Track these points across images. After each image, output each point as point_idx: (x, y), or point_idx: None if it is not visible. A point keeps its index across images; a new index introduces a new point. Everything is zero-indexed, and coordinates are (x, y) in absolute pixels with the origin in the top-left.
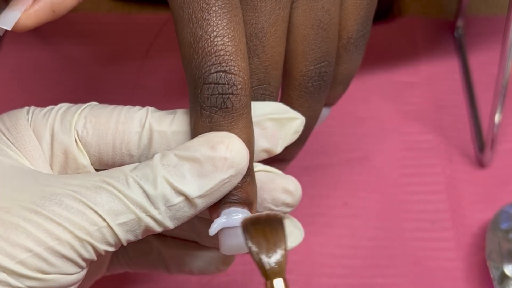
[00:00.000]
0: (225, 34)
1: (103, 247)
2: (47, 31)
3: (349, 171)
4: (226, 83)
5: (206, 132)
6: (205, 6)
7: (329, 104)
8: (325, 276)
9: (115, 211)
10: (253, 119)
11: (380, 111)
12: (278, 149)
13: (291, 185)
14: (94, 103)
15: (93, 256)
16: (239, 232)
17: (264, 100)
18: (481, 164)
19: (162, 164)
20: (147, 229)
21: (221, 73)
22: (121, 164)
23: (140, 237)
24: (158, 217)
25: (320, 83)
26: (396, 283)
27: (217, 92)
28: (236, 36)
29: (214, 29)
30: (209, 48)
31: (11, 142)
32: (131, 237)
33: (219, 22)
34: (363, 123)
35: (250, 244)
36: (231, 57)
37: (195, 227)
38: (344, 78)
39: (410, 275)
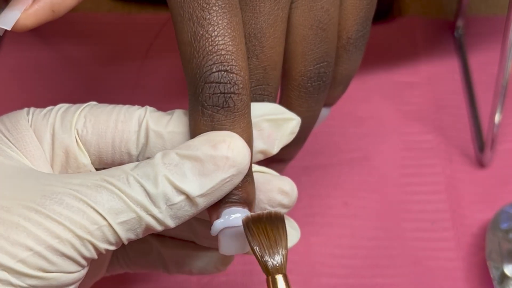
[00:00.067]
0: (226, 34)
1: (103, 245)
2: (47, 31)
3: (349, 171)
4: (228, 82)
5: (207, 131)
6: (205, 5)
7: (328, 104)
8: (325, 276)
9: (115, 210)
10: None
11: (380, 111)
12: (275, 150)
13: (287, 186)
14: (94, 102)
15: (94, 255)
16: (240, 232)
17: (263, 100)
18: (481, 164)
19: (164, 162)
20: (148, 228)
21: (222, 72)
22: (120, 163)
23: (141, 236)
24: (159, 216)
25: (319, 83)
26: (396, 283)
27: (218, 91)
28: (237, 36)
29: (215, 28)
30: (210, 47)
31: (11, 143)
32: (132, 236)
33: (220, 22)
34: (363, 123)
35: (252, 241)
36: (232, 57)
37: (192, 227)
38: (344, 78)
39: (410, 275)
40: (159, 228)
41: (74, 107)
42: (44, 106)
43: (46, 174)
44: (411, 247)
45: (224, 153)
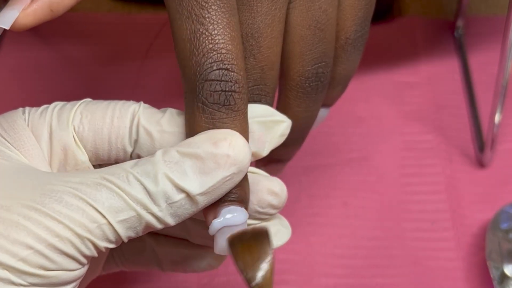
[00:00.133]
0: (225, 33)
1: (103, 244)
2: (47, 31)
3: (348, 171)
4: (229, 80)
5: (207, 128)
6: (204, 4)
7: (327, 104)
8: (325, 276)
9: (115, 208)
10: None
11: (380, 111)
12: (264, 152)
13: (277, 186)
14: (89, 99)
15: (94, 253)
16: (239, 230)
17: (260, 100)
18: (481, 164)
19: (164, 160)
20: (148, 226)
21: (223, 70)
22: (116, 159)
23: (140, 234)
24: (159, 214)
25: (317, 83)
26: (396, 283)
27: (219, 89)
28: (235, 36)
29: (215, 27)
30: (211, 46)
31: (9, 143)
32: (132, 234)
33: (220, 21)
34: (363, 123)
35: (236, 259)
36: (232, 56)
37: (185, 225)
38: (343, 78)
39: (410, 275)
40: (159, 226)
41: (69, 104)
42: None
43: (45, 172)
44: (411, 247)
45: (225, 151)
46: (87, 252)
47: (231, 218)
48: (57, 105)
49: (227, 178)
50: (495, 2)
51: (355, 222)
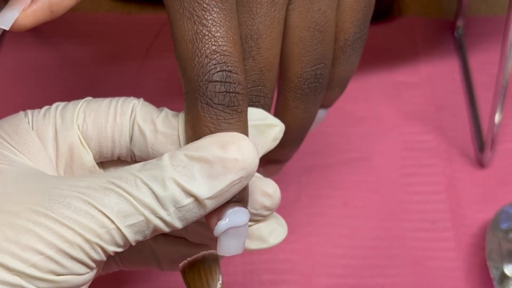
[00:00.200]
0: (227, 36)
1: (112, 248)
2: (47, 31)
3: (349, 171)
4: (233, 82)
5: (212, 128)
6: (206, 6)
7: (325, 106)
8: (325, 276)
9: (123, 213)
10: None
11: (380, 111)
12: None
13: (270, 188)
14: (90, 98)
15: (103, 257)
16: (241, 231)
17: (259, 101)
18: (481, 164)
19: (172, 164)
20: (156, 229)
21: (226, 72)
22: (119, 156)
23: (148, 237)
24: (167, 218)
25: (316, 85)
26: (396, 283)
27: (224, 90)
28: (237, 39)
29: (218, 29)
30: (214, 47)
31: (14, 147)
32: (140, 238)
33: (222, 23)
34: (363, 123)
35: (188, 286)
36: (234, 59)
37: None
38: (341, 80)
39: (410, 275)
40: (167, 229)
41: (71, 103)
42: (44, 106)
43: (52, 176)
44: (411, 247)
45: (233, 155)
46: (96, 257)
47: (236, 219)
48: (59, 105)
49: (236, 182)
50: (495, 2)
51: (355, 222)
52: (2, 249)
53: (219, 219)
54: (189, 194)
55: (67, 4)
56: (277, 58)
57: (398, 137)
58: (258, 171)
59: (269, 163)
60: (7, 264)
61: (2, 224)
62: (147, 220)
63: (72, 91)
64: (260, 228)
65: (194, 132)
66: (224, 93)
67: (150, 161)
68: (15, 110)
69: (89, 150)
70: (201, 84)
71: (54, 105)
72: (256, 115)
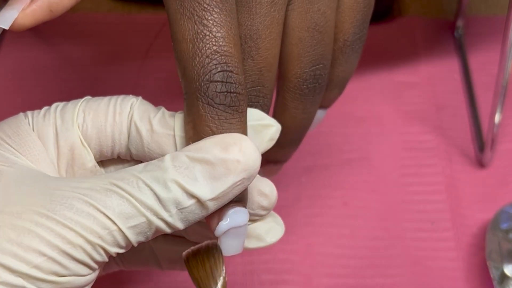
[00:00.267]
0: (228, 36)
1: (114, 249)
2: (47, 31)
3: (349, 171)
4: (234, 82)
5: (214, 127)
6: (206, 6)
7: (324, 106)
8: (325, 276)
9: (125, 214)
10: None
11: (380, 111)
12: None
13: (267, 187)
14: (89, 97)
15: (105, 258)
16: (241, 231)
17: (258, 101)
18: (481, 164)
19: (174, 165)
20: (158, 230)
21: (227, 72)
22: (119, 154)
23: (150, 238)
24: (169, 219)
25: (315, 85)
26: (396, 283)
27: (225, 90)
28: (237, 39)
29: (219, 29)
30: (215, 48)
31: (14, 148)
32: (142, 239)
33: (222, 23)
34: (363, 123)
35: (191, 274)
36: (235, 59)
37: None
38: (340, 80)
39: (410, 275)
40: (168, 231)
41: (71, 103)
42: (44, 106)
43: (53, 178)
44: (411, 247)
45: (235, 157)
46: (98, 258)
47: (237, 219)
48: (59, 105)
49: (238, 184)
50: (495, 2)
51: (355, 222)
52: (4, 250)
53: (219, 219)
54: (191, 195)
55: (67, 4)
56: (276, 58)
57: (398, 137)
58: None
59: (268, 163)
60: (9, 265)
61: (4, 226)
62: (149, 222)
63: (72, 91)
64: (258, 227)
65: (195, 132)
66: (225, 93)
67: (152, 162)
68: (15, 110)
69: (89, 150)
70: (202, 84)
71: (54, 105)
72: (253, 115)
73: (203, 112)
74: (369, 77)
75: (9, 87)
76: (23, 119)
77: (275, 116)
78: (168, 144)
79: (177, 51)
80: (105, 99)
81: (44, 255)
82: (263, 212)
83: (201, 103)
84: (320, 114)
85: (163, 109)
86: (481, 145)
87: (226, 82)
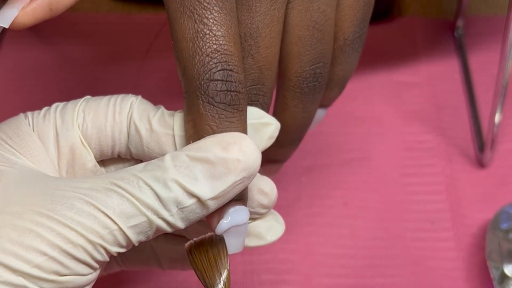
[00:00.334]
0: (227, 35)
1: (115, 249)
2: (47, 31)
3: (349, 171)
4: (234, 81)
5: (214, 126)
6: (206, 5)
7: (324, 105)
8: (325, 276)
9: (126, 214)
10: None
11: (380, 111)
12: None
13: (267, 186)
14: (88, 96)
15: (106, 258)
16: (241, 230)
17: (258, 100)
18: (481, 164)
19: (174, 165)
20: (159, 230)
21: (227, 71)
22: (119, 154)
23: (151, 238)
24: (170, 219)
25: (315, 84)
26: (396, 283)
27: (225, 89)
28: (237, 37)
29: (219, 28)
30: (215, 46)
31: (15, 149)
32: (143, 238)
33: (222, 22)
34: (363, 123)
35: (194, 266)
36: (235, 58)
37: None
38: (340, 79)
39: (410, 275)
40: (169, 230)
41: (70, 103)
42: (44, 106)
43: (54, 178)
44: (411, 247)
45: (235, 156)
46: (99, 258)
47: (237, 218)
48: (59, 105)
49: (238, 183)
50: (495, 2)
51: (355, 222)
52: (5, 250)
53: (220, 218)
54: (192, 194)
55: (67, 2)
56: (276, 57)
57: (398, 137)
58: None
59: (268, 162)
60: (10, 265)
61: (5, 225)
62: (150, 221)
63: (72, 91)
64: (258, 225)
65: (195, 131)
66: (226, 92)
67: (152, 161)
68: (15, 110)
69: (90, 150)
70: (202, 83)
71: (54, 105)
72: (253, 114)
73: (203, 111)
74: (369, 77)
75: (9, 87)
76: (23, 120)
77: (275, 115)
78: (167, 144)
79: (177, 50)
80: (105, 98)
81: (45, 254)
82: (263, 211)
83: (201, 102)
84: (320, 113)
85: (162, 108)
86: (481, 145)
87: (226, 81)
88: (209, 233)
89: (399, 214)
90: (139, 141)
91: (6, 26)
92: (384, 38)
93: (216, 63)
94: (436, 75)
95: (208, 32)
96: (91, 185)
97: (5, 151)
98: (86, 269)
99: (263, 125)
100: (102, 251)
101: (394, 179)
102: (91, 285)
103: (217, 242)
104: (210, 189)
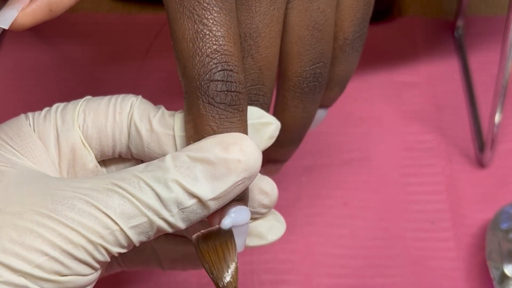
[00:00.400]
0: (227, 35)
1: (116, 249)
2: (47, 31)
3: (349, 171)
4: (234, 81)
5: (215, 126)
6: (206, 5)
7: (325, 105)
8: (325, 276)
9: (127, 214)
10: None
11: (380, 111)
12: None
13: (268, 186)
14: (89, 97)
15: (107, 258)
16: (242, 229)
17: (258, 100)
18: (481, 164)
19: (175, 165)
20: (160, 230)
21: (227, 71)
22: (119, 154)
23: (152, 238)
24: (171, 219)
25: (315, 84)
26: (396, 283)
27: (225, 89)
28: (236, 38)
29: (219, 28)
30: (215, 47)
31: (16, 150)
32: (144, 238)
33: (222, 23)
34: (363, 123)
35: (202, 259)
36: (235, 58)
37: None
38: (341, 79)
39: (410, 275)
40: (170, 230)
41: (71, 104)
42: (44, 106)
43: (54, 178)
44: (411, 247)
45: (236, 156)
46: (100, 258)
47: (238, 218)
48: (59, 106)
49: (239, 183)
50: (495, 2)
51: (355, 222)
52: (6, 250)
53: (221, 218)
54: (192, 195)
55: (66, 3)
56: (276, 56)
57: (398, 137)
58: None
59: (268, 162)
60: (11, 265)
61: (6, 226)
62: (151, 221)
63: (72, 91)
64: (259, 225)
65: (196, 132)
66: (226, 92)
67: (153, 162)
68: (15, 110)
69: (90, 150)
70: (202, 83)
71: (54, 106)
72: (253, 114)
73: (203, 111)
74: (369, 77)
75: (9, 87)
76: (24, 120)
77: (275, 115)
78: (167, 144)
79: (177, 51)
80: (105, 98)
81: (46, 254)
82: (264, 210)
83: (201, 102)
84: (321, 113)
85: (162, 108)
86: (481, 145)
87: (227, 81)
88: (217, 226)
89: (399, 214)
90: (139, 141)
91: (6, 27)
92: (384, 38)
93: (216, 63)
94: (436, 75)
95: (208, 32)
96: (92, 186)
97: (6, 151)
98: (87, 269)
99: (264, 125)
100: (103, 251)
101: (394, 179)
102: (92, 285)
103: (225, 234)
104: (210, 190)
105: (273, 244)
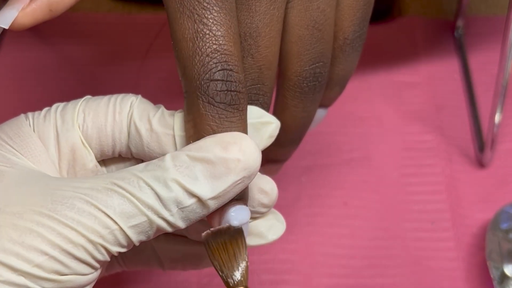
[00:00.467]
0: (227, 35)
1: (116, 248)
2: (47, 31)
3: (349, 171)
4: (234, 81)
5: (215, 126)
6: (206, 5)
7: (325, 105)
8: (325, 276)
9: (126, 213)
10: None
11: (380, 111)
12: None
13: (267, 185)
14: (89, 96)
15: (107, 258)
16: (244, 228)
17: (258, 99)
18: (481, 164)
19: (174, 165)
20: (159, 230)
21: (227, 71)
22: (119, 154)
23: (152, 237)
24: (170, 218)
25: (315, 83)
26: (396, 283)
27: (225, 89)
28: (236, 37)
29: (219, 28)
30: (215, 46)
31: (16, 150)
32: (143, 238)
33: (222, 22)
34: (363, 123)
35: (212, 257)
36: (235, 58)
37: None
38: (340, 79)
39: (410, 275)
40: (170, 230)
41: (71, 103)
42: (44, 106)
43: (54, 178)
44: (411, 247)
45: (235, 156)
46: (100, 257)
47: (238, 217)
48: (59, 106)
49: (238, 182)
50: (495, 2)
51: (355, 222)
52: (6, 250)
53: (221, 217)
54: (192, 194)
55: (67, 3)
56: (276, 56)
57: (398, 137)
58: None
59: (268, 162)
60: (11, 264)
61: (5, 225)
62: (150, 221)
63: (72, 91)
64: (259, 224)
65: (195, 131)
66: (226, 92)
67: (153, 161)
68: (15, 110)
69: (90, 150)
70: (202, 83)
71: (54, 106)
72: (252, 113)
73: (203, 111)
74: (369, 77)
75: (9, 87)
76: (24, 120)
77: (275, 114)
78: (167, 143)
79: (177, 50)
80: (105, 98)
81: (45, 254)
82: (263, 210)
83: (201, 102)
84: (321, 113)
85: (162, 108)
86: (481, 145)
87: (227, 81)
88: (227, 224)
89: (399, 214)
90: (139, 141)
91: (6, 27)
92: (384, 38)
93: (216, 63)
94: (436, 75)
95: (208, 32)
96: (92, 185)
97: (6, 151)
98: (86, 269)
99: (263, 124)
100: (103, 250)
101: (394, 179)
102: (92, 284)
103: (235, 232)
104: (210, 189)
105: (273, 244)
